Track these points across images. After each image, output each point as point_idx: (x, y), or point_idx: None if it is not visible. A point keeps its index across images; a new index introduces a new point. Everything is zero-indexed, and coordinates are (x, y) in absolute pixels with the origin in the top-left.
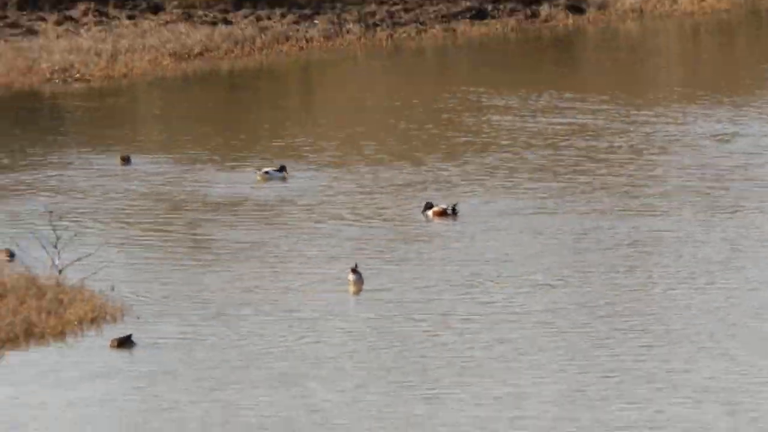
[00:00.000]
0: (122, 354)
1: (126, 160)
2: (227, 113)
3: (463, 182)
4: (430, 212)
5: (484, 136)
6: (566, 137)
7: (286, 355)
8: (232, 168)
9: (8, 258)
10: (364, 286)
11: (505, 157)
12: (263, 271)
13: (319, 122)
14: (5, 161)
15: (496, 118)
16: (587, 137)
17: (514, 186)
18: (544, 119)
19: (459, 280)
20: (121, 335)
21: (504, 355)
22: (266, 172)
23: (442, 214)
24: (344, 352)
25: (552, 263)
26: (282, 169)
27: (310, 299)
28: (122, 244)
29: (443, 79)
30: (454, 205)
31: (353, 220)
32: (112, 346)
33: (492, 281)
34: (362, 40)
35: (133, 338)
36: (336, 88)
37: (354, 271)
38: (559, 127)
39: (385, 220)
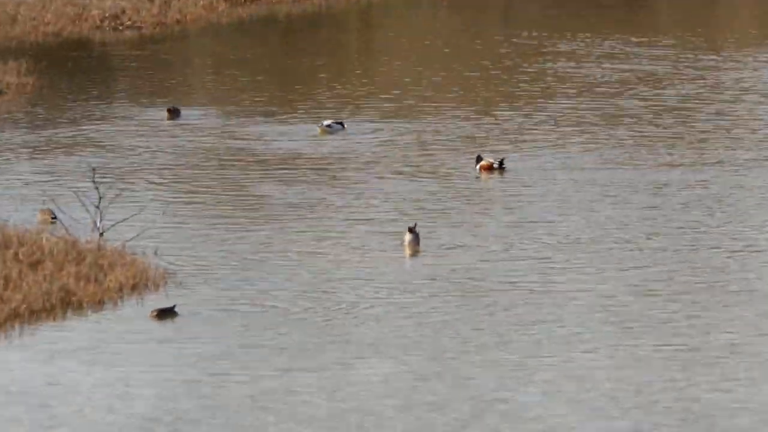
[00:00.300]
0: (164, 325)
1: (174, 113)
2: (283, 61)
3: (523, 134)
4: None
5: (546, 84)
6: (631, 86)
7: (342, 324)
8: (288, 121)
9: (52, 219)
10: (421, 247)
11: (566, 107)
12: (317, 231)
13: (379, 70)
14: (49, 114)
15: (560, 65)
16: (653, 85)
17: (574, 138)
18: (609, 65)
19: (514, 240)
20: (164, 306)
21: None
22: (328, 126)
23: (489, 168)
24: (398, 325)
25: (618, 222)
26: (341, 123)
27: (364, 262)
28: (168, 204)
29: (509, 22)
30: (502, 159)
31: (411, 177)
32: (152, 317)
33: (543, 239)
34: None
35: (176, 308)
36: (397, 33)
37: (411, 230)
38: (625, 74)
39: (443, 176)
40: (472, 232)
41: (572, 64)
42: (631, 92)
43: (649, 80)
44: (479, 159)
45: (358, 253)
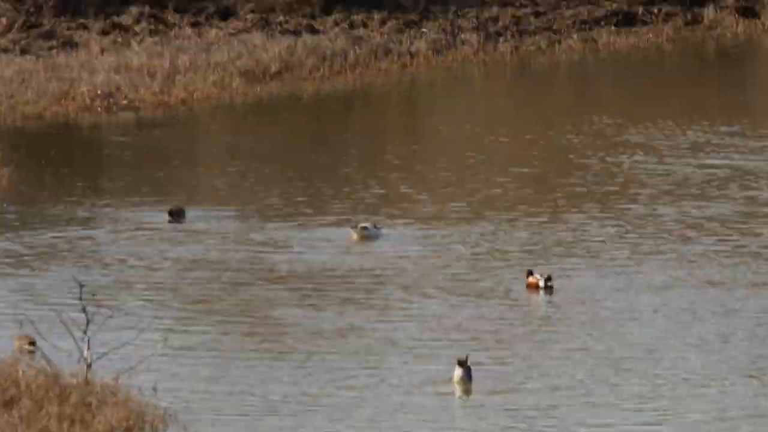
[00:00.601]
0: None
1: (177, 215)
2: (309, 151)
3: (585, 243)
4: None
5: (618, 182)
6: (721, 183)
7: None
8: (314, 225)
9: (30, 347)
10: (473, 386)
11: (640, 212)
12: (348, 365)
13: (422, 161)
14: (27, 215)
15: (636, 158)
16: (746, 184)
17: (647, 249)
18: (694, 160)
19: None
20: None
21: None
22: (364, 228)
23: (535, 287)
24: None
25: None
26: (378, 228)
27: (407, 406)
28: (169, 329)
29: (577, 105)
30: (548, 276)
31: (459, 295)
32: None
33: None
34: (480, 53)
35: None
36: (445, 117)
37: (461, 364)
38: (712, 170)
39: (494, 295)
40: (527, 365)
41: (649, 158)
42: (719, 193)
43: (740, 178)
44: (530, 274)
45: (399, 391)
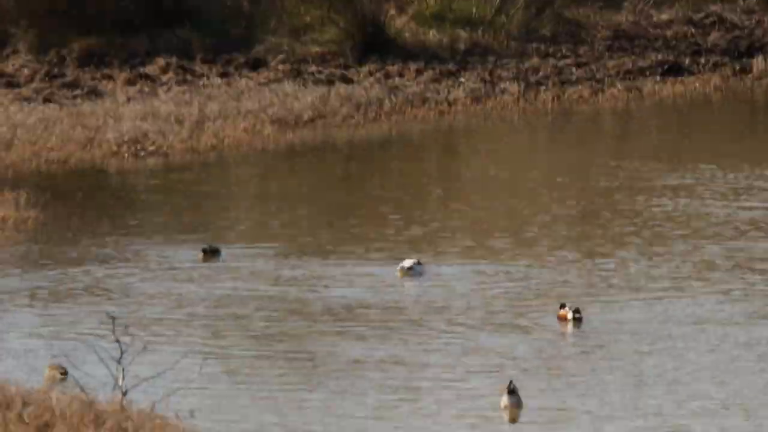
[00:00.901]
0: None
1: (211, 254)
2: (344, 195)
3: (617, 285)
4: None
5: (658, 225)
6: (764, 225)
7: None
8: (348, 263)
9: (62, 375)
10: (522, 412)
11: (682, 252)
12: (387, 396)
13: (460, 207)
14: (55, 255)
15: (676, 201)
16: None
17: (687, 290)
18: (735, 203)
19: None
20: None
21: None
22: (410, 268)
23: (564, 318)
24: None
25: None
26: (420, 264)
27: None
28: (205, 359)
29: (620, 152)
30: (576, 308)
31: (500, 330)
32: None
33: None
34: (520, 102)
35: None
36: (483, 164)
37: (510, 391)
38: (753, 213)
39: (531, 329)
40: (572, 393)
41: (691, 200)
42: (760, 234)
43: None
44: (562, 307)
45: (444, 426)
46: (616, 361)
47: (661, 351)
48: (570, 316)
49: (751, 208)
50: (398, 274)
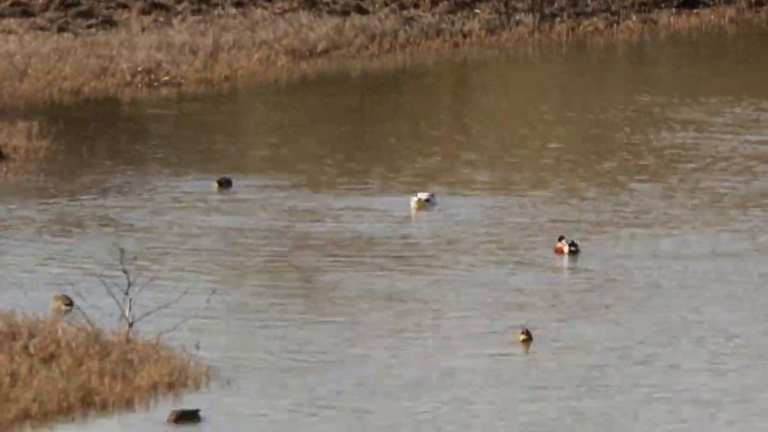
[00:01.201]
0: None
1: (225, 185)
2: (358, 126)
3: (622, 219)
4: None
5: (667, 157)
6: (763, 159)
7: None
8: (359, 195)
9: (67, 306)
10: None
11: (685, 186)
12: (395, 327)
13: (473, 139)
14: (66, 185)
15: (690, 134)
16: None
17: (691, 222)
18: (738, 137)
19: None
20: (186, 408)
21: None
22: (426, 200)
23: (559, 251)
24: None
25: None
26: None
27: (458, 369)
28: (213, 290)
29: (633, 85)
30: (572, 242)
31: (506, 264)
32: (170, 421)
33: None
34: (535, 34)
35: (202, 413)
36: (497, 96)
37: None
38: (757, 147)
39: (539, 265)
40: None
41: (698, 134)
42: (763, 168)
43: None
44: (560, 239)
45: (459, 359)
46: (619, 291)
47: (670, 287)
48: (566, 249)
49: (755, 142)
50: (413, 206)
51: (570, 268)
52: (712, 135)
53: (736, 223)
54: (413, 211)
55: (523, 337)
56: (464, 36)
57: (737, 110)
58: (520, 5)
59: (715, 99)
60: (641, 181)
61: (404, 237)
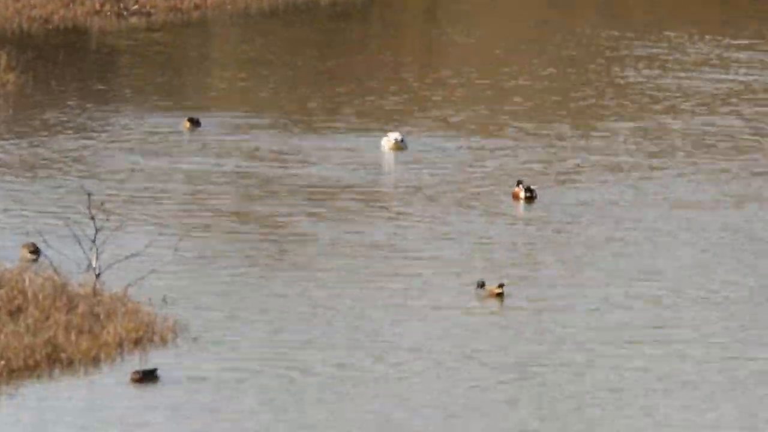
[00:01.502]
0: (145, 391)
1: (194, 123)
2: (327, 57)
3: (587, 165)
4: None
5: (628, 98)
6: (727, 99)
7: (383, 406)
8: (330, 134)
9: (32, 255)
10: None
11: (645, 128)
12: (363, 277)
13: (443, 71)
14: (34, 120)
15: (647, 73)
16: (753, 101)
17: (646, 165)
18: (700, 75)
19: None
20: (146, 368)
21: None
22: (401, 141)
23: (516, 197)
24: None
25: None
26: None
27: (422, 319)
28: (181, 239)
29: (599, 19)
30: (529, 187)
31: (474, 212)
32: (133, 380)
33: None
34: None
35: (159, 372)
36: (467, 25)
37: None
38: (718, 86)
39: (501, 213)
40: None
41: (661, 72)
42: (728, 108)
43: (745, 94)
44: (518, 184)
45: (412, 309)
46: (575, 239)
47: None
48: (522, 194)
49: (716, 81)
50: (386, 146)
51: (524, 218)
52: (676, 74)
53: (700, 173)
54: (387, 151)
55: (498, 290)
56: None
57: (702, 46)
58: None
59: (677, 35)
60: (607, 123)
61: (368, 184)
